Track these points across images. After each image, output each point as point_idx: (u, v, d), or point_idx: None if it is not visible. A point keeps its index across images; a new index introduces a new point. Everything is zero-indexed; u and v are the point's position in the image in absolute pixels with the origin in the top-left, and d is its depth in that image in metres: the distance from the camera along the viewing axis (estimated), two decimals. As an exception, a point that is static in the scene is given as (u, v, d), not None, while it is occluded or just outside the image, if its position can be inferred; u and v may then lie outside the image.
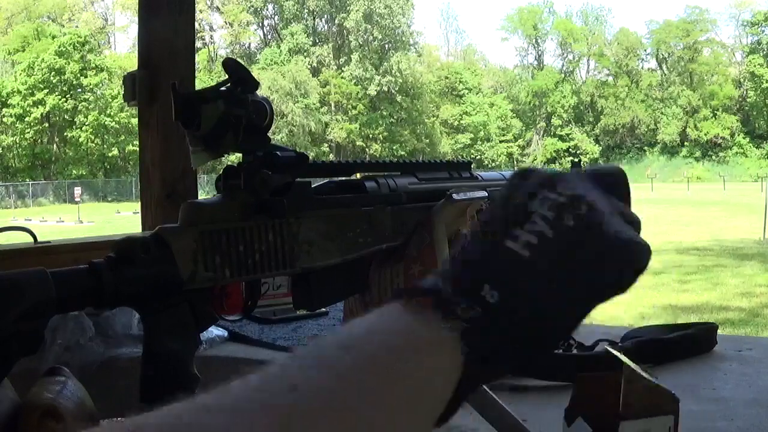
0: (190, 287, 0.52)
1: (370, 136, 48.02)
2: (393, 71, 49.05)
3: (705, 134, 49.32)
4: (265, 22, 54.29)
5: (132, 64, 2.35)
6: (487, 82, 56.19)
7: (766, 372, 1.28)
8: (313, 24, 53.08)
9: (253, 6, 52.26)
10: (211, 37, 52.84)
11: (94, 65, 41.00)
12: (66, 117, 39.42)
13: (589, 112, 53.36)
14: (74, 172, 40.24)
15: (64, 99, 38.55)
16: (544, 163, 49.61)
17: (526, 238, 0.38)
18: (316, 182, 0.68)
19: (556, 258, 0.38)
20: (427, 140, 49.41)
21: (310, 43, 51.11)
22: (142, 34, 2.21)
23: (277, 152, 0.61)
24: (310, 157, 0.65)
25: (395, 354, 0.36)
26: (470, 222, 0.80)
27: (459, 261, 0.39)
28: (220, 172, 0.61)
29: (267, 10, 53.81)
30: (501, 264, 0.38)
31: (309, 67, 49.05)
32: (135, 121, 2.80)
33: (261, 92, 0.61)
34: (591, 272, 0.38)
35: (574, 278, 0.38)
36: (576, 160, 1.23)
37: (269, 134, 0.62)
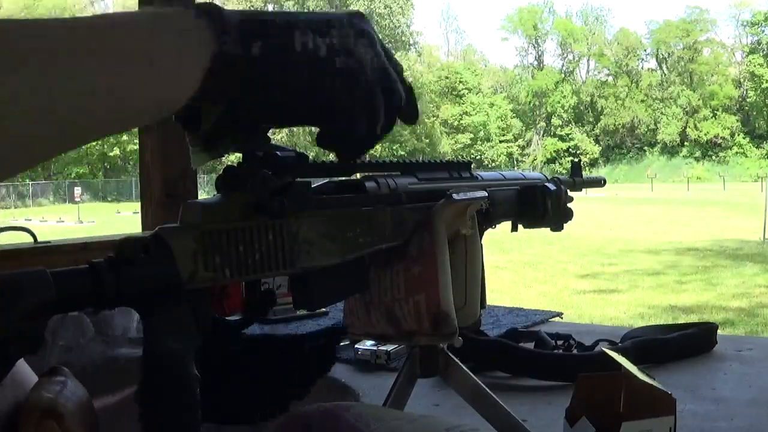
0: (190, 287, 0.52)
1: (370, 136, 47.94)
2: (393, 71, 49.02)
3: (705, 134, 49.34)
4: (265, 22, 54.29)
5: (132, 64, 2.34)
6: (487, 82, 56.22)
7: (766, 372, 1.28)
8: (313, 24, 53.06)
9: (253, 6, 52.28)
10: (211, 37, 52.84)
11: (94, 65, 40.94)
12: (66, 117, 39.39)
13: (589, 112, 53.37)
14: (74, 171, 40.26)
15: (64, 99, 38.49)
16: (544, 163, 49.65)
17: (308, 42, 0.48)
18: (316, 182, 0.67)
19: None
20: (427, 140, 49.40)
21: (310, 43, 51.08)
22: (142, 34, 2.21)
23: (277, 152, 0.61)
24: (310, 157, 0.65)
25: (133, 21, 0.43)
26: (469, 223, 0.80)
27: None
28: (220, 172, 0.60)
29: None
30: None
31: (309, 67, 49.01)
32: (135, 121, 2.78)
33: (261, 92, 0.61)
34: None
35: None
36: (576, 160, 1.23)
37: (269, 134, 0.62)
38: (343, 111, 0.51)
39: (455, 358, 0.84)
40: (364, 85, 0.51)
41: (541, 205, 0.97)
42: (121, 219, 21.69)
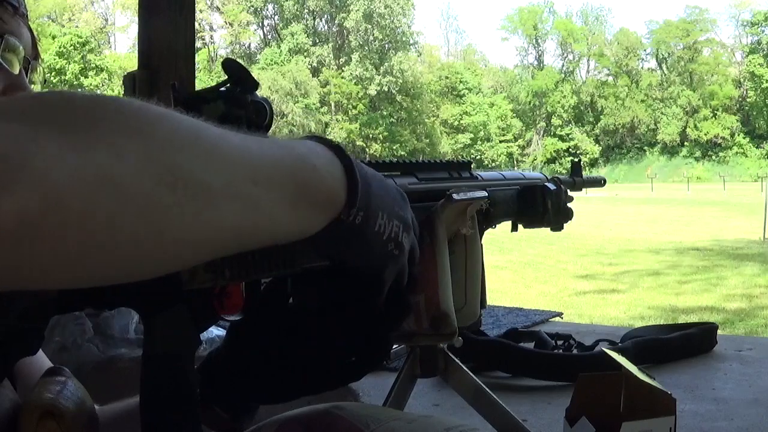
0: (190, 287, 0.52)
1: (370, 136, 48.02)
2: (393, 71, 49.06)
3: (705, 134, 49.33)
4: (265, 22, 54.31)
5: (132, 64, 2.35)
6: (487, 82, 56.22)
7: (766, 372, 1.28)
8: (313, 24, 53.09)
9: (253, 6, 52.25)
10: (211, 37, 52.88)
11: (94, 65, 41.03)
12: (66, 117, 39.45)
13: (589, 112, 53.37)
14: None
15: (65, 99, 38.51)
16: (544, 163, 49.64)
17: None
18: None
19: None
20: (427, 140, 49.42)
21: (310, 43, 51.11)
22: (142, 34, 2.21)
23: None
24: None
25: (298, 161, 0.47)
26: (469, 223, 0.80)
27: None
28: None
29: (267, 10, 53.83)
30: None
31: (309, 67, 49.06)
32: (135, 121, 2.77)
33: (261, 92, 0.61)
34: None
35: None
36: (576, 159, 1.23)
37: (269, 134, 0.61)
38: (378, 282, 0.58)
39: (455, 358, 0.84)
40: (400, 268, 0.59)
41: (541, 205, 0.97)
42: (121, 219, 21.60)
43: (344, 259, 0.55)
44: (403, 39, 51.06)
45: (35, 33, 0.77)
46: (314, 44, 51.27)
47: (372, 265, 0.56)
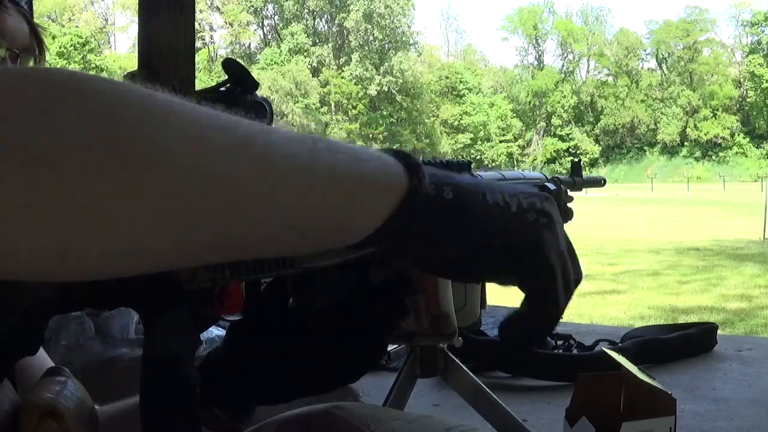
0: (190, 287, 0.52)
1: (370, 136, 48.00)
2: (393, 71, 49.05)
3: (705, 134, 49.33)
4: (265, 22, 54.30)
5: (132, 64, 2.35)
6: (487, 82, 56.21)
7: (766, 372, 1.28)
8: (313, 24, 53.08)
9: (253, 6, 52.24)
10: (211, 37, 52.87)
11: (94, 65, 40.98)
12: (66, 117, 39.51)
13: (589, 112, 53.37)
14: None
15: (65, 99, 38.53)
16: (544, 163, 49.63)
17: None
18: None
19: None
20: (427, 140, 49.42)
21: (310, 43, 51.10)
22: (142, 34, 2.21)
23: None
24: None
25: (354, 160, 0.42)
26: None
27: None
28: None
29: (267, 10, 53.82)
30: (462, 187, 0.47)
31: (309, 67, 49.05)
32: (135, 121, 2.77)
33: (261, 92, 0.61)
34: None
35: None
36: (576, 159, 1.23)
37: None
38: (543, 260, 0.48)
39: (455, 358, 0.84)
40: (558, 236, 0.49)
41: (540, 205, 0.97)
42: (121, 219, 21.58)
43: (449, 243, 0.46)
44: (403, 39, 51.05)
45: (35, 25, 0.75)
46: (314, 44, 51.26)
47: (517, 242, 0.47)
